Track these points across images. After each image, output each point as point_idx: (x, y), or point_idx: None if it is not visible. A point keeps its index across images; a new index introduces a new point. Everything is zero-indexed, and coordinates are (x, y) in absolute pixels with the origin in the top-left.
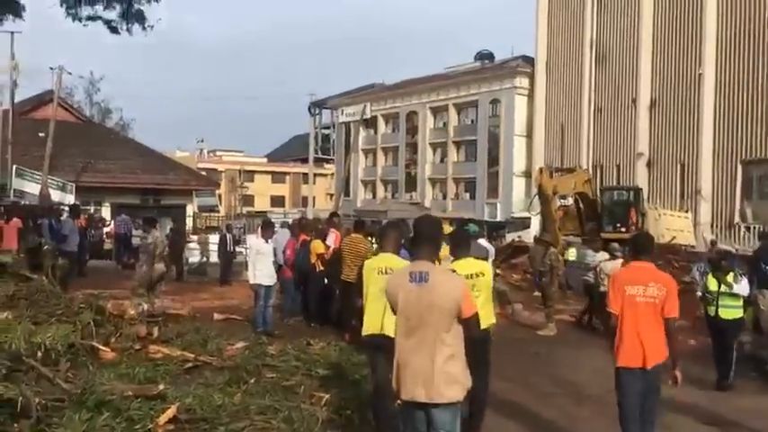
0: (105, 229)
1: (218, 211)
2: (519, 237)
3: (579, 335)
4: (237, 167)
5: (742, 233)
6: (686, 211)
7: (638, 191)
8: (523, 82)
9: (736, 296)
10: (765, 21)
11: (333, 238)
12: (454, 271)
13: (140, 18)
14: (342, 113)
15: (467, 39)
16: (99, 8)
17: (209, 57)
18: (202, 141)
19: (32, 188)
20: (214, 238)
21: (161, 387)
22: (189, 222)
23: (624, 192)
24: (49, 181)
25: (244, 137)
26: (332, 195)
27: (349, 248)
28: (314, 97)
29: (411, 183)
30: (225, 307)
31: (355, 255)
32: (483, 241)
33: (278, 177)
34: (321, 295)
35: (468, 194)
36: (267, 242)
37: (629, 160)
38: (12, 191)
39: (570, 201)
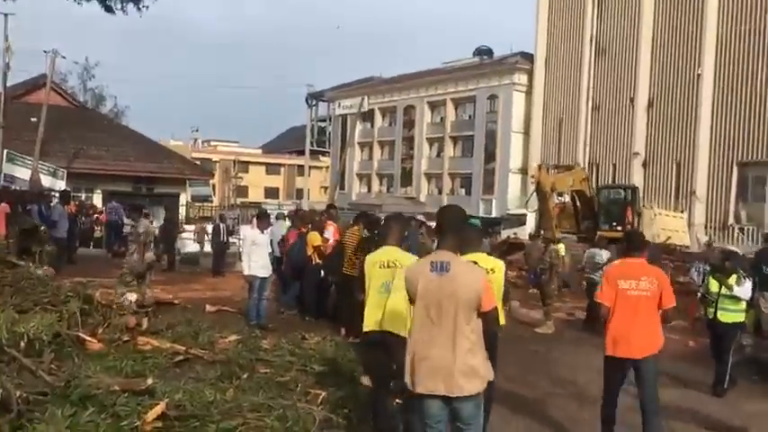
0: (96, 216)
1: (212, 201)
2: (515, 233)
3: (577, 333)
4: (232, 158)
5: (736, 234)
6: (681, 212)
7: (634, 190)
8: (522, 78)
9: (736, 299)
10: (765, 23)
11: (331, 231)
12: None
13: None
14: (339, 106)
15: (466, 35)
16: None
17: (206, 46)
18: (197, 131)
19: (23, 173)
20: (208, 228)
21: (149, 381)
22: (182, 212)
23: (621, 190)
24: (40, 166)
25: (239, 127)
26: (326, 188)
27: (351, 241)
28: (311, 88)
29: (407, 177)
30: (217, 298)
31: (357, 248)
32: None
33: (272, 169)
34: (317, 288)
35: (463, 190)
36: (263, 233)
37: (626, 159)
38: (2, 175)
39: (567, 198)
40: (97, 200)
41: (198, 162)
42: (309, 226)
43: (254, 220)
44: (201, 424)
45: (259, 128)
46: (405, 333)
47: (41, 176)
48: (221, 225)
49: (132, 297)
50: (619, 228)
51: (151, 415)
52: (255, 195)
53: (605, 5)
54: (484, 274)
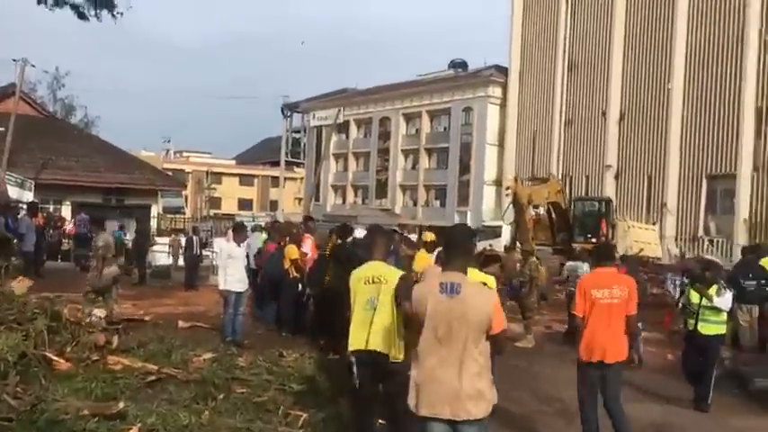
0: (64, 229)
1: (185, 213)
2: (490, 245)
3: (558, 347)
4: (205, 169)
5: (706, 246)
6: (653, 224)
7: (608, 202)
8: (496, 91)
9: (717, 310)
10: (734, 39)
11: (309, 245)
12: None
13: (109, 4)
14: (314, 117)
15: (441, 48)
16: None
17: (180, 57)
18: (169, 141)
19: None
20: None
21: (121, 405)
22: (154, 224)
23: (595, 203)
24: (7, 177)
25: (212, 138)
26: (301, 199)
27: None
28: (287, 99)
29: (382, 189)
30: (191, 314)
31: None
32: None
33: (246, 180)
34: (294, 303)
35: (438, 202)
36: (239, 246)
37: (598, 171)
38: None
39: (542, 210)
40: (66, 211)
41: (170, 173)
42: (287, 239)
43: (230, 232)
44: None
45: (232, 139)
46: (391, 352)
47: (8, 187)
48: (194, 237)
49: (101, 313)
50: (593, 240)
51: None
52: (229, 207)
53: (578, 21)
54: (495, 295)
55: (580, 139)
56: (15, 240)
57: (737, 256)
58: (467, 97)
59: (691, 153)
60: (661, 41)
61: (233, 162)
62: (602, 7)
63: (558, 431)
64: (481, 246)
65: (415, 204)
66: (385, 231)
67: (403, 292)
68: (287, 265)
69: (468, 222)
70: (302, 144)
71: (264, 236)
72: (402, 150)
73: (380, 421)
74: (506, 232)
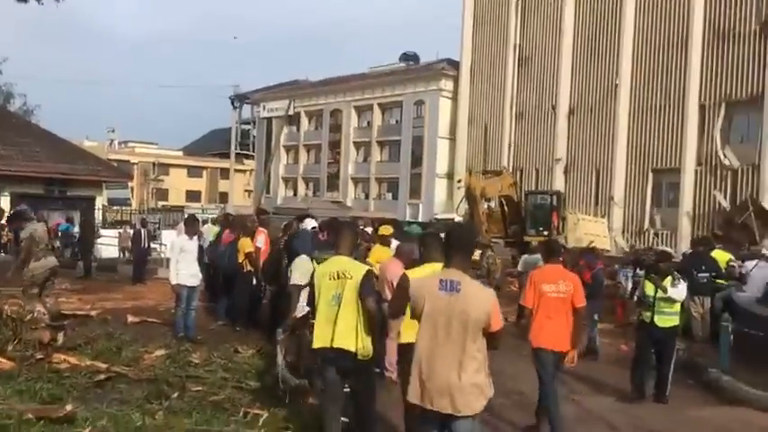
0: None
1: (131, 205)
2: None
3: (515, 341)
4: (151, 160)
5: (651, 239)
6: (602, 217)
7: (559, 195)
8: (448, 85)
9: (672, 301)
10: (679, 38)
11: (262, 239)
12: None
13: None
14: (264, 109)
15: (392, 41)
16: None
17: (127, 46)
18: (113, 131)
19: None
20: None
21: (68, 407)
22: (98, 216)
23: (547, 196)
24: None
25: (158, 129)
26: (250, 192)
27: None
28: (237, 89)
29: (333, 181)
30: (140, 308)
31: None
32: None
33: (194, 172)
34: (249, 297)
35: (390, 194)
36: (191, 239)
37: (548, 165)
38: None
39: (494, 203)
40: (5, 203)
41: (115, 164)
42: (240, 232)
43: (182, 225)
44: None
45: (180, 130)
46: (358, 349)
47: None
48: (142, 230)
49: (43, 309)
50: (545, 233)
51: None
52: (176, 199)
53: (528, 16)
54: (494, 294)
55: (531, 133)
56: None
57: (681, 248)
58: (419, 90)
59: (637, 147)
60: (609, 38)
61: (180, 153)
62: (551, 3)
63: (519, 421)
64: None
65: (366, 197)
66: (351, 225)
67: (368, 288)
68: (241, 258)
69: (420, 215)
70: (252, 136)
71: (217, 229)
72: (354, 143)
73: (343, 419)
74: None
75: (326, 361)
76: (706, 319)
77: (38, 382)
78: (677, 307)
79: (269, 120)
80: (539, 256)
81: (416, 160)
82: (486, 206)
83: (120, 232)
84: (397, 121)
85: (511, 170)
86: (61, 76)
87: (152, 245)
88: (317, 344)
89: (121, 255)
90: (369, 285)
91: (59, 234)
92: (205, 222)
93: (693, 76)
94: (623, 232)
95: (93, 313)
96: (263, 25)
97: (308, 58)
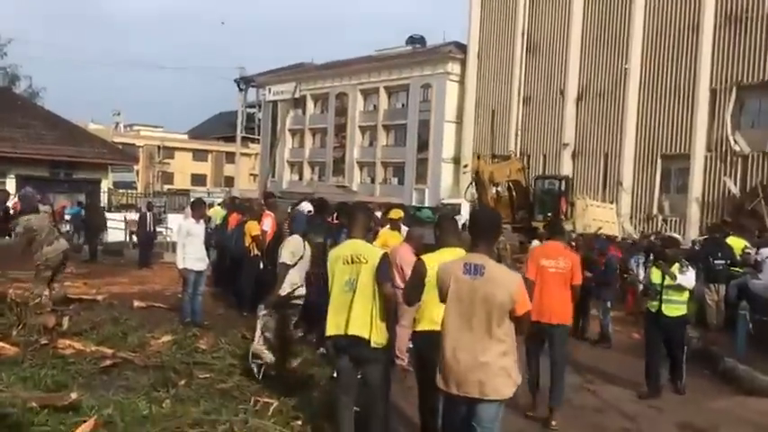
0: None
1: (136, 188)
2: None
3: None
4: (157, 143)
5: (660, 225)
6: (611, 203)
7: (567, 180)
8: (455, 68)
9: (680, 289)
10: (690, 21)
11: (269, 223)
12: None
13: None
14: (270, 92)
15: (398, 24)
16: None
17: (129, 26)
18: (119, 114)
19: None
20: (131, 217)
21: (73, 395)
22: (104, 199)
23: (555, 181)
24: None
25: (164, 112)
26: (256, 176)
27: None
28: (243, 72)
29: (339, 166)
30: (146, 293)
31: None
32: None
33: (200, 155)
34: (256, 281)
35: (396, 179)
36: (198, 223)
37: (556, 150)
38: None
39: (501, 188)
40: (10, 185)
41: (120, 147)
42: (247, 215)
43: (188, 209)
44: None
45: (185, 113)
46: (372, 336)
47: None
48: (148, 214)
49: (46, 292)
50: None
51: None
52: (182, 182)
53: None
54: (519, 277)
55: (538, 118)
56: None
57: (690, 235)
58: (425, 74)
59: (646, 133)
60: (619, 22)
61: (186, 137)
62: None
63: (523, 404)
64: None
65: (372, 181)
66: (364, 208)
67: (385, 273)
68: (248, 242)
69: (426, 200)
70: (257, 119)
71: (224, 212)
72: (359, 127)
73: (355, 408)
74: (465, 210)
75: (339, 349)
76: (720, 306)
77: (42, 368)
78: (686, 295)
79: (274, 103)
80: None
81: (423, 144)
82: (494, 191)
83: (125, 216)
84: (403, 105)
85: (518, 155)
86: (68, 57)
87: (158, 228)
88: (329, 331)
89: (128, 239)
90: (385, 270)
91: (69, 217)
92: (211, 206)
93: (704, 61)
94: (631, 218)
95: (98, 298)
96: (269, 7)
97: (313, 41)
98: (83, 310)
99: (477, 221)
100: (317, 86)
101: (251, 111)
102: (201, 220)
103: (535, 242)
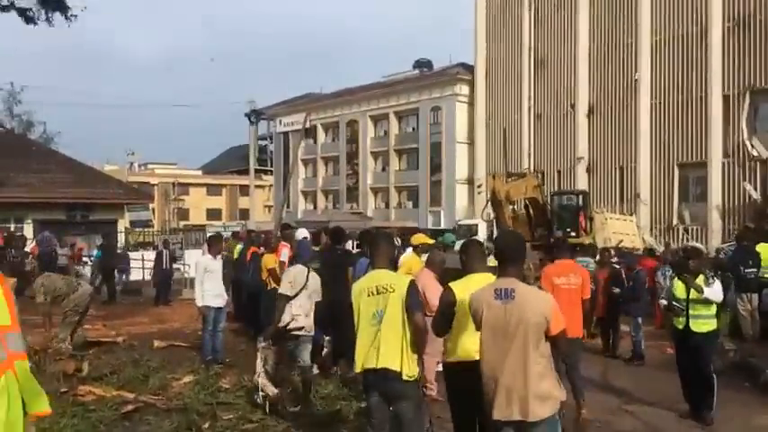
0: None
1: (152, 226)
2: None
3: None
4: (171, 180)
5: (681, 235)
6: (631, 215)
7: (585, 195)
8: (463, 89)
9: (708, 303)
10: (697, 28)
11: (286, 253)
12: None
13: (62, 6)
14: (280, 123)
15: (404, 49)
16: None
17: (139, 69)
18: (133, 154)
19: None
20: (149, 255)
21: None
22: (121, 238)
23: (573, 196)
24: None
25: (176, 149)
26: (270, 207)
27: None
28: (253, 105)
29: (352, 192)
30: (166, 332)
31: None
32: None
33: (213, 190)
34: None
35: (410, 203)
36: (215, 259)
37: (570, 165)
38: None
39: (517, 206)
40: (28, 230)
41: (135, 186)
42: (262, 248)
43: (206, 245)
44: None
45: (198, 149)
46: (403, 368)
47: None
48: (164, 251)
49: (68, 339)
50: (573, 234)
51: None
52: (197, 217)
53: (542, 15)
54: (551, 297)
55: (550, 134)
56: None
57: (713, 243)
58: (434, 96)
59: (660, 142)
60: (626, 31)
61: (199, 172)
62: (566, 1)
63: None
64: (458, 245)
65: (387, 207)
66: (387, 236)
67: (415, 301)
68: (264, 275)
69: (442, 222)
70: (269, 151)
71: (240, 246)
72: (371, 153)
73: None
74: (482, 230)
75: (369, 385)
76: (755, 316)
77: (62, 417)
78: (714, 308)
79: (285, 134)
80: (587, 258)
81: (435, 167)
82: (510, 209)
83: (143, 255)
84: (413, 129)
85: (533, 172)
86: (82, 102)
87: (174, 265)
88: (358, 367)
89: (145, 277)
90: (415, 298)
91: (90, 260)
92: (227, 240)
93: (715, 67)
94: (651, 229)
95: (118, 339)
96: (274, 40)
97: (320, 71)
98: (103, 354)
99: (505, 246)
100: (327, 115)
101: (262, 143)
102: (219, 256)
103: (578, 259)
